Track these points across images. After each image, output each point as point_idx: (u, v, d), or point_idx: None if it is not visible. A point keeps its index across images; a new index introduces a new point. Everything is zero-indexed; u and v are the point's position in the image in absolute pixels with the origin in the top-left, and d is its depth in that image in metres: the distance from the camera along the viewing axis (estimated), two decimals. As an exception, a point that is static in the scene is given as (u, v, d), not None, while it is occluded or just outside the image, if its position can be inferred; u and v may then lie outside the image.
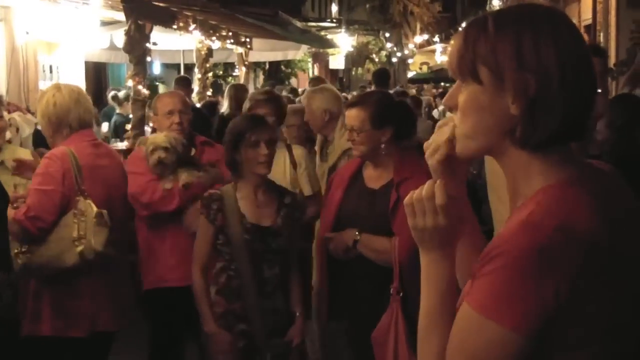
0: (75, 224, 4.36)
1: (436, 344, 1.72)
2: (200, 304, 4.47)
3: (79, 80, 12.85)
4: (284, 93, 15.20)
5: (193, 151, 5.33)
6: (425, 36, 34.27)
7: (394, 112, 4.39)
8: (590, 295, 1.57)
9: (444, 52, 39.40)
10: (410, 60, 40.21)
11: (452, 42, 1.56)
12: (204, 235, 4.51)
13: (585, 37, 14.44)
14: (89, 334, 4.55)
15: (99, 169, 4.65)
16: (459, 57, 1.75)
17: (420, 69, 47.75)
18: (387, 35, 32.50)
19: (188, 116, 5.39)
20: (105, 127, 13.70)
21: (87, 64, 14.85)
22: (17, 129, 7.27)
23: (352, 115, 4.34)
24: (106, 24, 13.25)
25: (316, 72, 30.94)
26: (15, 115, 7.64)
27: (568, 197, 1.64)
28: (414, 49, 37.14)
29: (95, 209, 4.40)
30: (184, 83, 12.22)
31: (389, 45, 33.43)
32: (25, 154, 5.12)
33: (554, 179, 1.68)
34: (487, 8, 26.12)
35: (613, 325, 1.62)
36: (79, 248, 4.36)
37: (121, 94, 13.44)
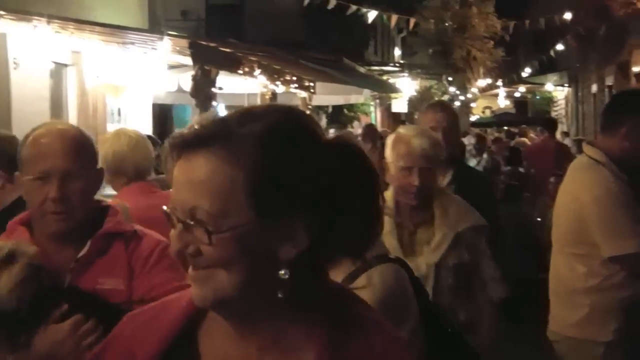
0: None
1: None
2: None
3: (146, 123, 13.12)
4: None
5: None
6: (488, 80, 34.15)
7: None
8: None
9: (507, 96, 39.28)
10: (473, 104, 40.11)
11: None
12: None
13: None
14: None
15: (146, 224, 4.44)
16: None
17: (483, 112, 47.55)
18: (450, 79, 32.47)
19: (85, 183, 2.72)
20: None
21: (153, 105, 15.13)
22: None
23: (202, 175, 1.47)
24: (173, 67, 13.51)
25: (378, 116, 31.03)
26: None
27: None
28: (477, 93, 37.04)
29: None
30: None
31: (451, 89, 33.39)
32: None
33: None
34: (551, 53, 25.98)
35: None
36: None
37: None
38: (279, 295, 1.44)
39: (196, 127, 1.45)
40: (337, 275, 2.38)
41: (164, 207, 1.47)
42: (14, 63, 10.28)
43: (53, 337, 2.46)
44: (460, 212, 3.91)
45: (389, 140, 3.88)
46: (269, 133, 1.42)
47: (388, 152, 3.84)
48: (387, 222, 3.74)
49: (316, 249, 1.45)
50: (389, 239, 3.70)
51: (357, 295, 1.60)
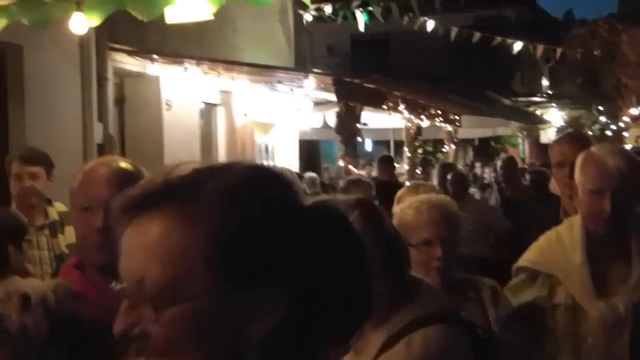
0: None
1: None
2: None
3: (294, 158, 13.37)
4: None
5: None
6: (641, 108, 33.02)
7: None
8: None
9: (662, 124, 37.84)
10: (625, 134, 38.80)
11: None
12: None
13: None
14: None
15: None
16: None
17: (637, 141, 45.91)
18: (600, 108, 31.59)
19: None
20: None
21: (300, 141, 15.40)
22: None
23: (152, 240, 1.22)
24: (319, 104, 13.73)
25: (526, 147, 30.50)
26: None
27: None
28: (629, 122, 35.84)
29: None
30: (387, 162, 11.26)
31: (601, 118, 32.47)
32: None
33: None
34: None
35: None
36: None
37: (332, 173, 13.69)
38: None
39: (147, 185, 1.21)
40: (375, 338, 2.30)
41: (113, 284, 1.20)
42: (167, 104, 10.69)
43: None
44: None
45: (578, 160, 3.38)
46: (230, 193, 1.18)
47: (577, 173, 3.35)
48: (579, 254, 3.30)
49: (291, 332, 1.17)
50: (579, 273, 3.28)
51: None
